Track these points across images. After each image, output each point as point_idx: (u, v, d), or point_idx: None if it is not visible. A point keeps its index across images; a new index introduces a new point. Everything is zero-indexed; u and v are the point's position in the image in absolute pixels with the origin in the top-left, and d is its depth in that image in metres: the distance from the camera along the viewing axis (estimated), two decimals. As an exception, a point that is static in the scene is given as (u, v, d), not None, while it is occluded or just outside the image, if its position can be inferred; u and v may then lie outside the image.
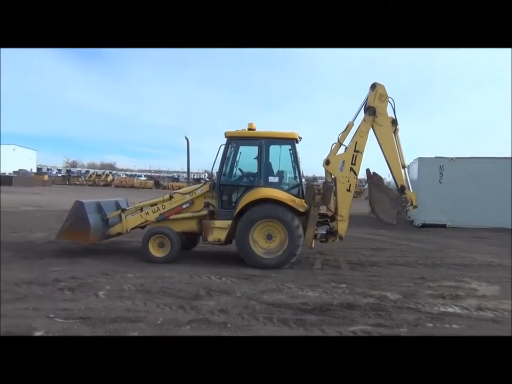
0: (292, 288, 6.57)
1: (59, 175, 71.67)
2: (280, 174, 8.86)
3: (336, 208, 8.34)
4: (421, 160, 16.72)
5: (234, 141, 8.79)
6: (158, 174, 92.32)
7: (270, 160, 8.85)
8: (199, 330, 4.68)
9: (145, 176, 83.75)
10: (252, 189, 8.42)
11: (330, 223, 8.69)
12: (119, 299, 5.75)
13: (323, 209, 8.68)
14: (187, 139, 9.67)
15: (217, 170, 8.64)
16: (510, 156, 18.23)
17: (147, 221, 8.95)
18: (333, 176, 8.37)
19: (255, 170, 8.58)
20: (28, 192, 33.27)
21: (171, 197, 8.96)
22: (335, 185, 8.29)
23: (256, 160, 8.52)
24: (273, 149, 8.90)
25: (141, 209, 9.17)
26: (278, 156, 8.93)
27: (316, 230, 8.58)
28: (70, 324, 4.75)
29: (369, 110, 8.19)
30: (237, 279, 7.06)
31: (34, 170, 77.99)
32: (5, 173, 58.77)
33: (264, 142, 8.52)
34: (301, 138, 9.01)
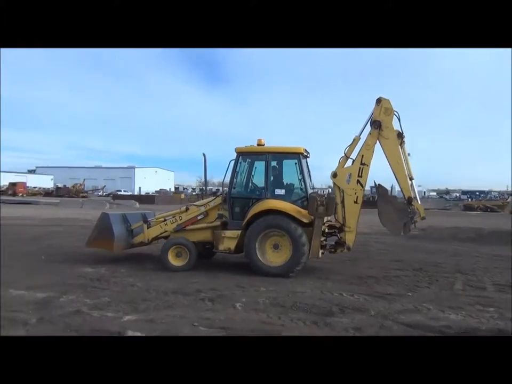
0: (431, 310, 6.14)
1: (193, 193, 77.74)
2: (288, 186, 9.29)
3: (344, 219, 8.50)
4: None
5: (243, 156, 9.26)
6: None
7: (282, 174, 9.42)
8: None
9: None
10: (259, 201, 8.73)
11: (338, 234, 8.83)
12: (255, 311, 5.99)
13: (333, 220, 8.97)
14: (204, 155, 10.56)
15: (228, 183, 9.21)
16: None
17: (166, 231, 9.58)
18: (340, 188, 8.60)
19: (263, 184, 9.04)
20: (169, 209, 36.65)
21: (187, 209, 9.57)
22: (343, 197, 8.52)
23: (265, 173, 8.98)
24: (285, 163, 9.47)
25: (164, 220, 9.74)
26: (288, 169, 9.39)
27: (325, 240, 8.95)
28: (212, 332, 5.08)
29: (375, 124, 8.39)
30: (370, 297, 6.84)
31: (173, 189, 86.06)
32: (148, 193, 66.24)
33: (270, 156, 8.97)
34: (308, 153, 9.43)
